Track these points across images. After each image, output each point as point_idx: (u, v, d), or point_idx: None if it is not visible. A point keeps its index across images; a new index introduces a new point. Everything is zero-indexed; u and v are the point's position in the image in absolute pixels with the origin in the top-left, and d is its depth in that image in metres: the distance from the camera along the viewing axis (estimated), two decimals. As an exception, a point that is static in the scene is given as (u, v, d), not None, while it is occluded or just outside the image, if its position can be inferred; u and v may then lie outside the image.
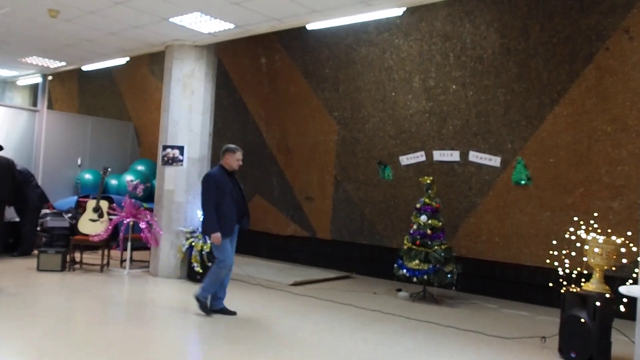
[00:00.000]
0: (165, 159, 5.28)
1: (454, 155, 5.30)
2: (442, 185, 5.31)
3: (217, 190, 3.50)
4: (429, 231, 4.61)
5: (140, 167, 7.60)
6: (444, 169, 5.40)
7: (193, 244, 5.04)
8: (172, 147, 5.25)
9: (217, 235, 3.52)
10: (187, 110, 5.30)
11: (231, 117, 7.17)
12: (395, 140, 5.72)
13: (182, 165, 5.24)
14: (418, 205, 4.78)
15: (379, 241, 5.91)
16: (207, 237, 3.72)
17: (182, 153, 5.23)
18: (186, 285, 4.94)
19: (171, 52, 5.33)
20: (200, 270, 4.97)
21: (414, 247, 4.62)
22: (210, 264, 4.85)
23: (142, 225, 5.10)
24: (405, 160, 5.64)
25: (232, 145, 3.69)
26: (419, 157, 5.53)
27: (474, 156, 5.20)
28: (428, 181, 4.80)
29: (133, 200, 5.50)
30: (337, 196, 6.23)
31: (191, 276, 5.12)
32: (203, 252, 4.96)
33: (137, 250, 5.66)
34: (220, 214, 3.48)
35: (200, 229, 3.72)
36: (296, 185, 6.56)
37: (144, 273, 5.39)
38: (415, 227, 4.70)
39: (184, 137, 5.28)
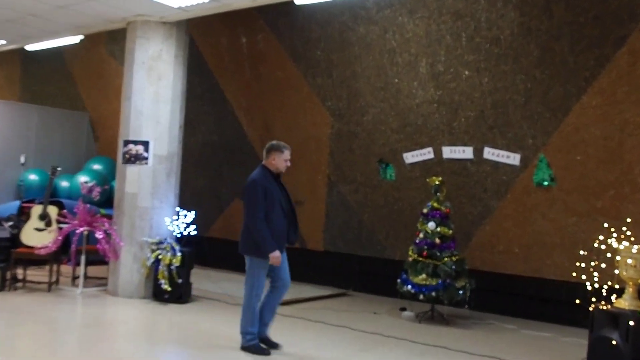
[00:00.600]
0: (127, 156, 5.21)
1: (466, 152, 5.35)
2: (452, 187, 5.31)
3: (265, 198, 3.38)
4: (437, 240, 4.64)
5: (96, 166, 7.57)
6: (455, 168, 5.41)
7: (160, 257, 5.00)
8: (135, 143, 5.19)
9: (278, 255, 3.41)
10: (153, 98, 5.23)
11: (206, 107, 7.16)
12: (398, 135, 5.73)
13: (146, 163, 5.16)
14: (425, 210, 4.81)
15: (380, 252, 5.90)
16: (251, 258, 3.50)
17: (146, 149, 5.17)
18: (151, 307, 4.87)
19: (134, 29, 5.22)
20: (169, 288, 4.93)
21: (421, 259, 4.65)
22: (180, 280, 4.89)
23: (99, 235, 5.01)
24: (410, 157, 5.67)
25: (279, 143, 3.59)
26: (426, 154, 5.57)
27: (490, 153, 5.24)
28: (437, 182, 4.83)
29: (88, 205, 5.40)
30: (331, 200, 6.23)
31: (157, 295, 5.04)
32: (172, 267, 4.93)
33: (93, 265, 5.59)
34: (271, 228, 3.38)
35: (241, 248, 3.48)
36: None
37: (100, 292, 5.29)
38: (421, 235, 4.73)
39: (149, 130, 5.19)
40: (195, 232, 5.14)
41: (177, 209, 5.23)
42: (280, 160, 3.52)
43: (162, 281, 4.96)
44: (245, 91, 6.83)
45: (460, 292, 4.58)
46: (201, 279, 5.76)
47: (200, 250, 5.92)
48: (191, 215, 5.13)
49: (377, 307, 5.32)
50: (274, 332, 3.79)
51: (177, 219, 5.14)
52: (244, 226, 3.46)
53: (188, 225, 5.11)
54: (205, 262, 6.59)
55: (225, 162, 7.14)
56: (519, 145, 5.11)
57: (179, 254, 4.93)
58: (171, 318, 4.57)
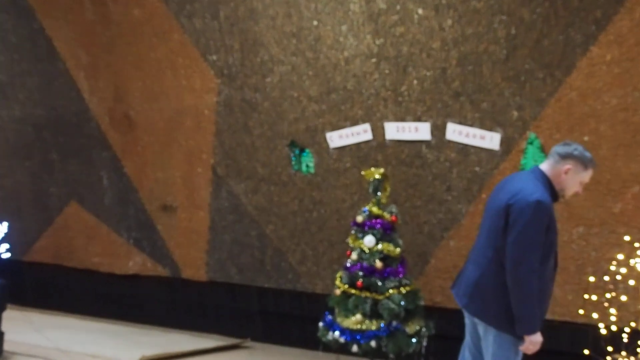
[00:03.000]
0: None
1: (420, 131, 5.00)
2: (401, 184, 5.10)
3: (546, 236, 3.00)
4: (378, 263, 4.41)
5: None
6: (404, 155, 5.15)
7: None
8: None
9: (539, 340, 3.04)
10: None
11: (26, 63, 6.67)
12: (318, 105, 5.41)
13: None
14: (360, 219, 4.57)
15: (292, 283, 5.66)
16: (499, 334, 3.10)
17: None
18: None
19: None
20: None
21: (354, 291, 4.45)
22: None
23: None
24: (337, 139, 5.33)
25: (587, 154, 3.17)
26: (361, 133, 5.24)
27: (456, 132, 4.90)
28: (376, 176, 4.59)
29: None
30: (218, 204, 5.99)
31: None
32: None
33: None
34: (542, 288, 3.05)
35: (479, 308, 3.19)
36: (144, 185, 6.31)
37: None
38: (354, 256, 4.53)
39: None
40: (8, 255, 5.28)
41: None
42: (576, 181, 3.15)
43: None
44: (85, 40, 6.34)
45: (413, 340, 4.41)
46: (19, 326, 5.73)
47: (17, 283, 6.04)
48: (2, 228, 5.15)
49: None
50: None
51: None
52: (492, 272, 3.08)
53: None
54: (25, 299, 6.71)
55: (55, 148, 6.75)
56: (498, 121, 4.79)
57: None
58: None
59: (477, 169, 4.93)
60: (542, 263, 2.96)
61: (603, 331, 3.59)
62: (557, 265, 3.20)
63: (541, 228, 2.93)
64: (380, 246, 4.42)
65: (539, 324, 3.00)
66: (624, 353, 3.44)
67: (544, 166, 3.18)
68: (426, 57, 4.94)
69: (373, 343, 4.29)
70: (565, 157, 3.14)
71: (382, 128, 5.17)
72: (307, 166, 5.53)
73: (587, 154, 3.19)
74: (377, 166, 4.89)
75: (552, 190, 3.12)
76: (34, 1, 6.46)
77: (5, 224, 5.25)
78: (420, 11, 4.87)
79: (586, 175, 3.18)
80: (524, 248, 2.92)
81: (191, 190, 6.02)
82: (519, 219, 2.93)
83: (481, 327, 3.16)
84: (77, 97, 6.41)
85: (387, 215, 4.50)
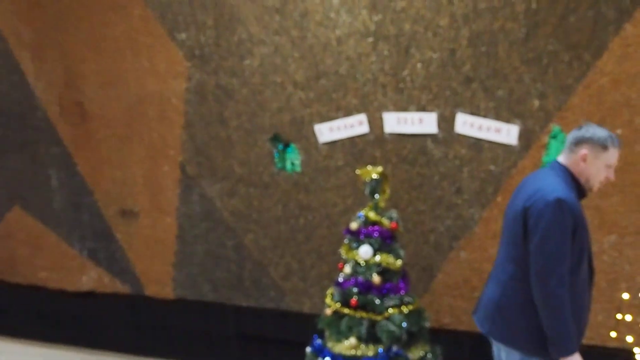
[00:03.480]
0: None
1: (425, 123, 5.00)
2: (403, 185, 5.10)
3: (574, 240, 2.98)
4: (376, 279, 4.41)
5: None
6: (407, 152, 5.12)
7: None
8: None
9: None
10: None
11: None
12: (306, 93, 5.39)
13: None
14: (354, 226, 4.58)
15: (275, 301, 5.69)
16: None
17: None
18: None
19: None
20: None
21: (347, 311, 4.46)
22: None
23: None
24: (328, 133, 5.34)
25: (605, 132, 3.13)
26: (356, 126, 5.25)
27: (467, 124, 4.90)
28: (374, 176, 4.59)
29: None
30: (188, 209, 6.02)
31: None
32: None
33: None
34: (574, 301, 3.03)
35: (500, 331, 3.18)
36: (101, 186, 6.33)
37: None
38: (348, 270, 4.54)
39: None
40: None
41: None
42: (599, 167, 3.11)
43: None
44: (30, 14, 6.30)
45: (418, 367, 4.39)
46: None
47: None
48: None
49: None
50: None
51: None
52: (515, 289, 3.11)
53: None
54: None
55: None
56: (516, 111, 4.80)
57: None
58: None
59: (491, 167, 4.87)
60: (572, 272, 2.93)
61: (639, 357, 3.66)
62: (593, 272, 3.15)
63: (566, 231, 2.88)
64: (378, 258, 4.39)
65: (577, 343, 2.96)
66: (664, 383, 3.46)
67: (563, 159, 3.14)
68: (432, 36, 4.89)
69: (370, 371, 4.17)
70: (578, 142, 3.12)
71: (381, 119, 5.10)
72: (293, 164, 5.46)
73: (603, 133, 3.14)
74: (374, 164, 4.86)
75: (577, 185, 3.09)
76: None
77: None
78: (425, -18, 4.91)
79: (610, 157, 3.12)
80: (549, 257, 2.88)
81: (156, 192, 6.01)
82: (539, 223, 2.89)
83: (503, 353, 3.13)
84: (20, 82, 6.36)
85: (386, 222, 4.47)
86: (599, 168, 3.08)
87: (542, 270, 2.89)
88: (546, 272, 2.88)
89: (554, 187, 2.96)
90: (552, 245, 2.87)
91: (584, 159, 3.07)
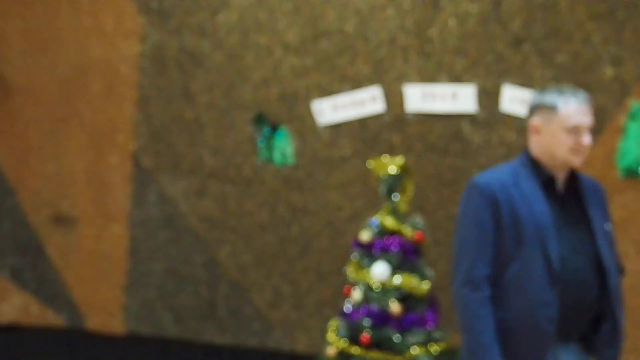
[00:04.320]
0: None
1: (460, 98, 5.05)
2: (430, 181, 5.16)
3: (497, 228, 3.13)
4: (394, 307, 4.35)
5: None
6: (436, 136, 5.19)
7: None
8: None
9: None
10: None
11: None
12: (301, 58, 5.45)
13: None
14: (365, 237, 4.53)
15: (260, 337, 5.72)
16: None
17: None
18: None
19: None
20: None
21: (356, 350, 4.41)
22: None
23: None
24: (330, 111, 5.38)
25: (550, 92, 3.21)
26: (367, 102, 5.29)
27: (516, 99, 4.93)
28: (392, 170, 4.58)
29: None
30: (143, 214, 6.09)
31: None
32: None
33: None
34: (507, 311, 3.16)
35: None
36: (27, 184, 6.42)
37: None
38: (357, 296, 4.50)
39: None
40: None
41: None
42: (556, 135, 3.17)
43: None
44: None
45: None
46: None
47: None
48: None
49: None
50: None
51: None
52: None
53: None
54: None
55: None
56: (582, 82, 4.63)
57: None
58: None
59: None
60: (500, 272, 3.08)
61: None
62: (605, 274, 3.22)
63: (474, 219, 3.07)
64: (397, 280, 4.31)
65: None
66: None
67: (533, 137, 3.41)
68: (466, -16, 4.71)
69: None
70: (529, 114, 3.24)
71: (401, 94, 5.11)
72: (283, 154, 5.45)
73: (550, 92, 3.26)
74: (392, 154, 4.74)
75: (537, 167, 3.23)
76: None
77: None
78: None
79: (564, 118, 3.14)
80: (455, 250, 3.14)
81: (100, 191, 6.00)
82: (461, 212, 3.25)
83: None
84: None
85: (408, 231, 4.39)
86: (557, 137, 3.11)
87: (453, 267, 3.16)
88: (454, 268, 3.11)
89: (482, 173, 3.25)
90: (458, 237, 3.12)
91: (537, 130, 3.16)
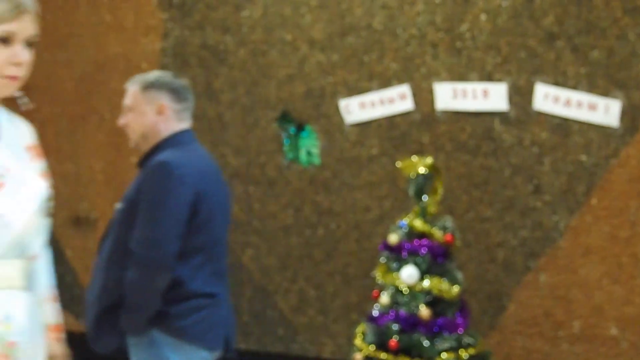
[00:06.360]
0: None
1: (492, 96, 5.05)
2: (460, 182, 5.15)
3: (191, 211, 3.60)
4: (423, 311, 4.36)
5: None
6: (467, 136, 5.17)
7: None
8: None
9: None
10: None
11: None
12: (327, 54, 5.43)
13: None
14: (393, 239, 4.53)
15: (284, 343, 5.72)
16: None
17: None
18: None
19: None
20: None
21: (384, 356, 4.41)
22: None
23: None
24: (358, 110, 5.36)
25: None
26: (396, 100, 5.28)
27: (550, 97, 4.91)
28: (421, 170, 4.57)
29: None
30: None
31: None
32: None
33: None
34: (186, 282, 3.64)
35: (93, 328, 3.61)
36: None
37: None
38: (386, 300, 4.49)
39: None
40: None
41: None
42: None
43: None
44: None
45: None
46: None
47: None
48: None
49: None
50: None
51: None
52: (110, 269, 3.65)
53: None
54: None
55: None
56: (618, 80, 4.72)
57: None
58: None
59: (583, 157, 4.83)
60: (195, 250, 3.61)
61: None
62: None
63: (179, 203, 3.56)
64: (427, 283, 4.28)
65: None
66: None
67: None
68: (500, -23, 4.80)
69: None
70: (147, 88, 3.74)
71: (431, 92, 5.10)
72: (309, 154, 5.45)
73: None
74: (421, 154, 4.72)
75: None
76: None
77: None
78: None
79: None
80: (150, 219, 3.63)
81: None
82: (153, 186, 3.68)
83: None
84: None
85: (438, 234, 4.35)
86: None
87: (140, 238, 3.58)
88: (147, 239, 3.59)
89: (166, 157, 3.65)
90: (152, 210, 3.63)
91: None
